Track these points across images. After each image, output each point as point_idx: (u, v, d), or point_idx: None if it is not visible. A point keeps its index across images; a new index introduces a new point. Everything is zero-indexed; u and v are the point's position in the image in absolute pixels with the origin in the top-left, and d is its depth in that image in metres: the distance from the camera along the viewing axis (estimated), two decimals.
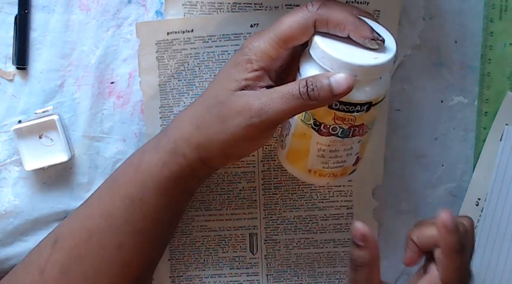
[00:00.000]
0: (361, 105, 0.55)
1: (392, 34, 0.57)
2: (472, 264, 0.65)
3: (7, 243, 0.66)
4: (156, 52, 0.64)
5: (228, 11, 0.64)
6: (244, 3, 0.64)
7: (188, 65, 0.65)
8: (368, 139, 0.59)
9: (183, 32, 0.64)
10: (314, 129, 0.56)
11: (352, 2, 0.64)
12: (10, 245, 0.66)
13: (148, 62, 0.64)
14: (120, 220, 0.58)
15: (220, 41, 0.64)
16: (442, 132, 0.67)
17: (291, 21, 0.55)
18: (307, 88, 0.53)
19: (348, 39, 0.55)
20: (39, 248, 0.61)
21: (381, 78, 0.55)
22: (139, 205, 0.58)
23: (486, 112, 0.66)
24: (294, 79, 0.57)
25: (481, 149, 0.66)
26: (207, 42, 0.64)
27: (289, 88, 0.54)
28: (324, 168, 0.58)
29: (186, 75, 0.65)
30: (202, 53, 0.64)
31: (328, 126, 0.56)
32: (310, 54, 0.56)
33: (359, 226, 0.52)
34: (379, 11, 0.64)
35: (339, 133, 0.56)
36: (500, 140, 0.66)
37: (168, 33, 0.64)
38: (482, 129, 0.66)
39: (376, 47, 0.54)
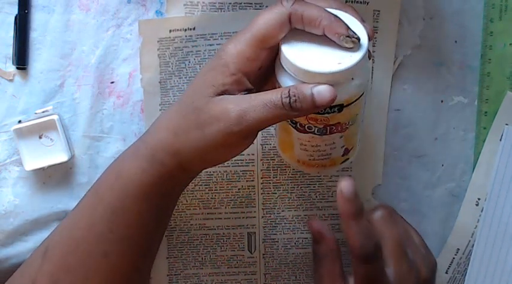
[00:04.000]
0: (331, 107, 0.53)
1: (366, 30, 0.54)
2: (471, 263, 0.66)
3: (7, 243, 0.66)
4: (158, 49, 0.64)
5: (229, 11, 0.64)
6: (244, 3, 0.64)
7: (189, 62, 0.65)
8: (355, 131, 0.58)
9: (185, 30, 0.64)
10: (292, 126, 0.56)
11: (352, 2, 0.64)
12: (10, 245, 0.66)
13: (149, 60, 0.64)
14: (104, 229, 0.57)
15: (221, 38, 0.64)
16: (442, 132, 0.67)
17: (267, 18, 0.54)
18: (289, 100, 0.52)
19: (322, 40, 0.54)
20: (30, 259, 0.60)
21: (352, 78, 0.53)
22: (121, 213, 0.57)
23: (486, 112, 0.66)
24: (274, 83, 0.56)
25: (481, 149, 0.66)
26: (209, 39, 0.64)
27: (271, 97, 0.52)
28: (310, 159, 0.58)
29: (186, 72, 0.65)
30: (204, 51, 0.64)
31: (303, 125, 0.55)
32: (280, 62, 0.55)
33: (315, 224, 0.57)
34: (379, 10, 0.64)
35: (315, 131, 0.55)
36: (500, 140, 0.65)
37: (170, 31, 0.64)
38: (482, 129, 0.66)
39: (351, 45, 0.52)
